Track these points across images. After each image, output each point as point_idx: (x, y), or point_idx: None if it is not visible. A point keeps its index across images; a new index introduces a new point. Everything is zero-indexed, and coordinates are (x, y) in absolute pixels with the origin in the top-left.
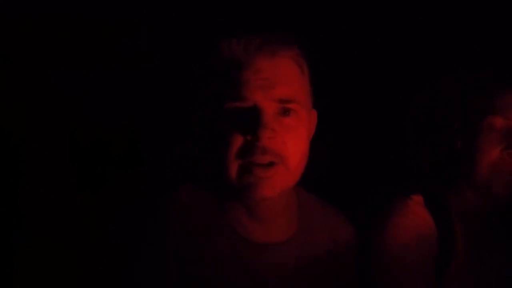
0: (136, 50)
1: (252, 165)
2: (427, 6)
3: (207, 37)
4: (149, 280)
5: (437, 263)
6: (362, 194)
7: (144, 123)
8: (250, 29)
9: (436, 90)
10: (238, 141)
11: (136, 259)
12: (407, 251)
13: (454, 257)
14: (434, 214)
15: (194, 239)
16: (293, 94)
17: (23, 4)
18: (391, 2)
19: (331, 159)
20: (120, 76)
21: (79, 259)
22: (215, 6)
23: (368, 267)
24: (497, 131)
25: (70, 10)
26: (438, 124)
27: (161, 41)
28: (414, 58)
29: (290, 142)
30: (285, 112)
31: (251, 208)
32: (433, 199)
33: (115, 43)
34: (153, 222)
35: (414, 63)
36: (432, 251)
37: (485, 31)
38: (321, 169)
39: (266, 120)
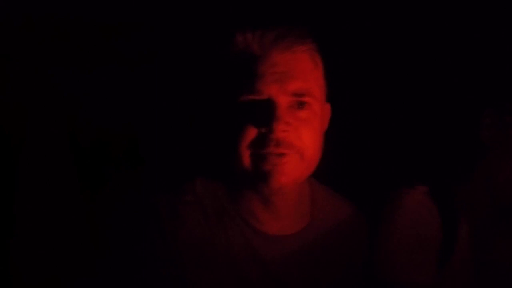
0: (136, 50)
1: (266, 154)
2: (437, 5)
3: (218, 32)
4: (162, 271)
5: (441, 251)
6: (367, 186)
7: (144, 123)
8: (257, 25)
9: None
10: (252, 133)
11: (148, 251)
12: (412, 240)
13: (457, 246)
14: (439, 204)
15: (207, 230)
16: (307, 88)
17: (23, 4)
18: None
19: (336, 150)
20: (120, 76)
21: (80, 259)
22: (215, 6)
23: (374, 256)
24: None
25: (70, 10)
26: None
27: (162, 41)
28: (422, 54)
29: (304, 134)
30: (300, 105)
31: (266, 199)
32: (438, 190)
33: (115, 43)
34: (167, 213)
35: (422, 59)
36: (436, 239)
37: (489, 31)
38: (327, 162)
39: (280, 113)
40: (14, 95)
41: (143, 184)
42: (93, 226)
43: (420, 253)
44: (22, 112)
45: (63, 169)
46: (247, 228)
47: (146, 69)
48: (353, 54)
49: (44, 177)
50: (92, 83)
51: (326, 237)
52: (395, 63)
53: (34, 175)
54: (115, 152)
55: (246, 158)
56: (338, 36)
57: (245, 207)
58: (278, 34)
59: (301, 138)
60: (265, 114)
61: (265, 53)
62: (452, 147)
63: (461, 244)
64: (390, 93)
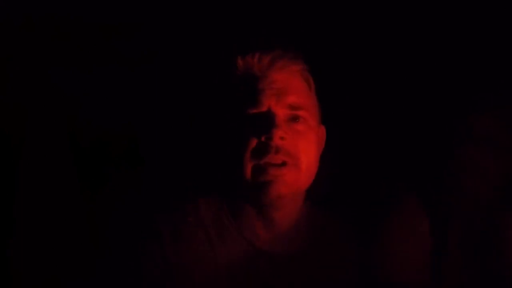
0: (136, 50)
1: (266, 165)
2: (428, 18)
3: (218, 48)
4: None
5: (432, 257)
6: (361, 195)
7: (144, 123)
8: (252, 32)
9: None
10: (252, 142)
11: (149, 270)
12: (405, 248)
13: (448, 251)
14: (429, 212)
15: (209, 250)
16: (302, 102)
17: (23, 4)
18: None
19: (330, 160)
20: (120, 76)
21: (80, 259)
22: (215, 7)
23: (374, 261)
24: (465, 132)
25: (70, 10)
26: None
27: (162, 41)
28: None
29: (301, 145)
30: (295, 119)
31: (267, 216)
32: (427, 198)
33: (115, 43)
34: (169, 233)
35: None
36: (427, 246)
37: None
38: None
39: (279, 122)
40: (14, 95)
41: (143, 184)
42: (93, 226)
43: (415, 256)
44: (22, 112)
45: (63, 169)
46: (249, 247)
47: (146, 69)
48: (343, 72)
49: (44, 177)
50: (92, 83)
51: (324, 257)
52: (383, 73)
53: (34, 175)
54: (115, 152)
55: (248, 169)
56: (328, 58)
57: (247, 225)
58: (275, 56)
59: (297, 148)
60: (265, 124)
61: (264, 73)
62: (439, 156)
63: (451, 245)
64: (381, 104)
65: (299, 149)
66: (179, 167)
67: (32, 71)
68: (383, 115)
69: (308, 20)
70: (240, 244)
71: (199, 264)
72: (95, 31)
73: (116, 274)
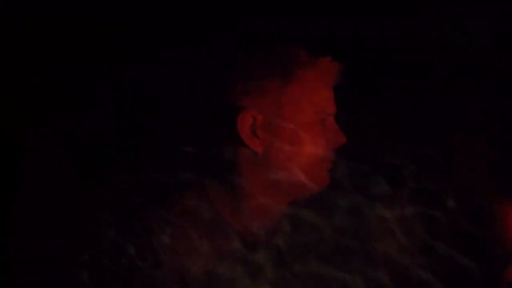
0: (136, 50)
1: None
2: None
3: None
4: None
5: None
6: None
7: (144, 123)
8: (251, 30)
9: None
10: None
11: (139, 264)
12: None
13: (441, 239)
14: (423, 201)
15: (197, 241)
16: None
17: (23, 4)
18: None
19: None
20: (120, 76)
21: (79, 259)
22: (215, 6)
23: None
24: (460, 122)
25: (70, 10)
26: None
27: (161, 41)
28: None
29: None
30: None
31: (271, 205)
32: (422, 187)
33: (115, 43)
34: (157, 225)
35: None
36: (416, 236)
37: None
38: None
39: None
40: (14, 95)
41: (142, 185)
42: (93, 226)
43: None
44: (22, 112)
45: (63, 169)
46: (236, 235)
47: (146, 69)
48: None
49: (44, 177)
50: (92, 83)
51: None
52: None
53: (34, 175)
54: (115, 152)
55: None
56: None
57: (237, 216)
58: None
59: None
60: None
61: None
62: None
63: (444, 234)
64: (377, 99)
65: None
66: (179, 165)
67: (32, 71)
68: (379, 109)
69: (304, 16)
70: (230, 234)
71: (190, 259)
72: (95, 31)
73: (116, 273)
